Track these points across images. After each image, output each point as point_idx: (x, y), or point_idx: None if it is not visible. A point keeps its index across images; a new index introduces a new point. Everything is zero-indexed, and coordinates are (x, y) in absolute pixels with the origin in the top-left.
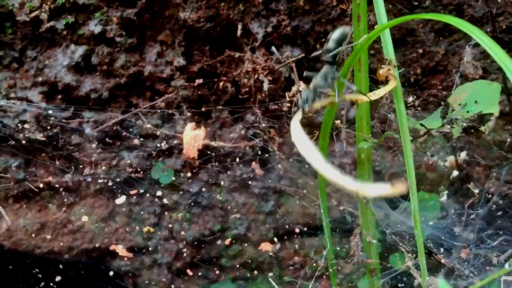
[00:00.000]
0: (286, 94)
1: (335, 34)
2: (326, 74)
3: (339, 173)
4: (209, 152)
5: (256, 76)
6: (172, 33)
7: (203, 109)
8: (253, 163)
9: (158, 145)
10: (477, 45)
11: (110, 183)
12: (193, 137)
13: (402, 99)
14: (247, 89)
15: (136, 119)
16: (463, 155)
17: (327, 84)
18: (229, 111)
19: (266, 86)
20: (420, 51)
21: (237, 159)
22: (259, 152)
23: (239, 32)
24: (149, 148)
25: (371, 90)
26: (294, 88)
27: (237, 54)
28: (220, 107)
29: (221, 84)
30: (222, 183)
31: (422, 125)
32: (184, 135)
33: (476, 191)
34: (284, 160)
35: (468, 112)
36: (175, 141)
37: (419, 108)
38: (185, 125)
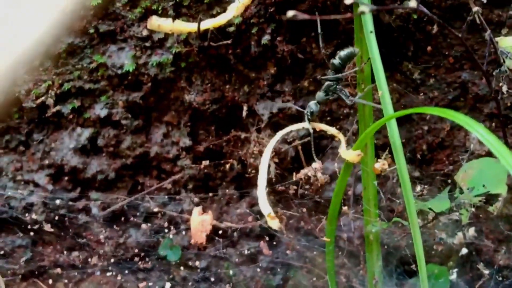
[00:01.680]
0: (294, 175)
1: (343, 52)
2: (327, 88)
3: (264, 197)
4: (219, 233)
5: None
6: (178, 114)
7: (210, 194)
8: (261, 242)
9: (165, 223)
10: (482, 121)
11: (117, 261)
12: (200, 222)
13: (410, 187)
14: (253, 169)
15: (142, 198)
16: (471, 231)
17: (328, 98)
18: (236, 187)
19: (273, 171)
20: (426, 127)
21: (244, 236)
22: (266, 228)
23: (244, 113)
24: (156, 226)
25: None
26: (303, 171)
27: (243, 135)
28: (228, 191)
29: (227, 166)
30: (229, 258)
31: (430, 209)
32: (192, 219)
33: (486, 272)
34: (292, 236)
35: (475, 196)
36: (182, 218)
37: (426, 186)
38: (191, 203)
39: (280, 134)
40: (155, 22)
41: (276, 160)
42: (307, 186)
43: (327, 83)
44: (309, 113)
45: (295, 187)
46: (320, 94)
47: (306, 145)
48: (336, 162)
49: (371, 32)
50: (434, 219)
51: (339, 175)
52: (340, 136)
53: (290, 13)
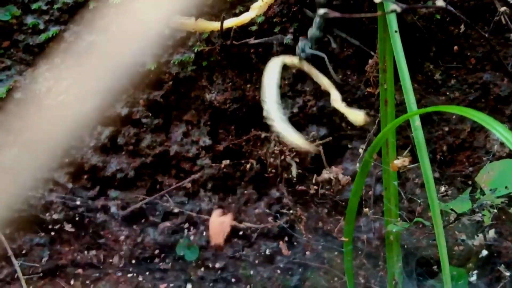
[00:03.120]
0: (315, 177)
1: None
2: (320, 24)
3: (292, 130)
4: (237, 233)
5: (282, 157)
6: (198, 113)
7: (228, 194)
8: (281, 243)
9: (183, 222)
10: (503, 122)
11: (134, 260)
12: (220, 224)
13: (434, 187)
14: (273, 168)
15: (161, 197)
16: (491, 233)
17: (322, 34)
18: (254, 187)
19: (294, 171)
20: (446, 129)
21: (262, 236)
22: (285, 228)
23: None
24: (174, 225)
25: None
26: (324, 173)
27: (263, 134)
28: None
29: (248, 166)
30: (247, 258)
31: (452, 210)
32: (211, 221)
33: (507, 273)
34: (310, 237)
35: (497, 197)
36: (200, 218)
37: (449, 187)
38: (210, 202)
39: (272, 65)
40: (177, 20)
41: (297, 160)
42: (327, 187)
43: (318, 20)
44: (302, 49)
45: (315, 187)
46: (313, 31)
47: (326, 145)
48: (356, 162)
49: (395, 31)
50: (456, 220)
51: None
52: (332, 89)
53: (322, 11)
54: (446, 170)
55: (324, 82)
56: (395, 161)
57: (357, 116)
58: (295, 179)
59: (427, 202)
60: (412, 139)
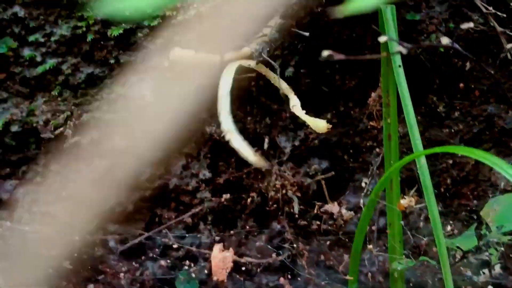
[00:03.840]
0: (316, 209)
1: None
2: (279, 28)
3: (244, 143)
4: (238, 267)
5: (284, 191)
6: (198, 146)
7: (229, 227)
8: (282, 279)
9: (183, 256)
10: (508, 155)
11: None
12: (222, 260)
13: (440, 227)
14: (274, 202)
15: (160, 230)
16: (497, 268)
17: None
18: (255, 220)
19: (296, 207)
20: (450, 161)
21: (264, 270)
22: (286, 261)
23: (266, 146)
24: (173, 259)
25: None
26: (327, 207)
27: (264, 167)
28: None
29: (248, 200)
30: None
31: (458, 247)
32: (213, 257)
33: None
34: (313, 272)
35: (504, 234)
36: (200, 251)
37: (454, 225)
38: (210, 235)
39: (227, 73)
40: (177, 53)
41: (299, 194)
42: (330, 222)
43: (279, 21)
44: (258, 54)
45: (318, 222)
46: (272, 33)
47: (328, 178)
48: (359, 195)
49: (399, 66)
50: (463, 258)
51: (362, 210)
52: (291, 94)
53: (326, 53)
54: (451, 204)
55: (283, 86)
56: (402, 201)
57: (318, 124)
58: (297, 214)
59: (431, 236)
60: (418, 177)
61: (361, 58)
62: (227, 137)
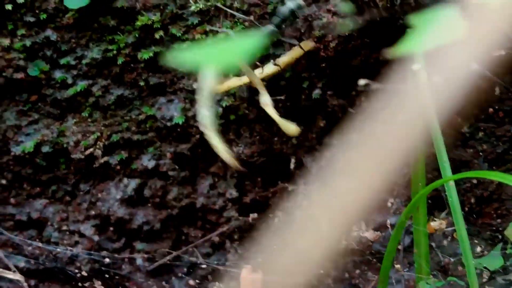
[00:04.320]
0: (344, 238)
1: (294, 4)
2: (269, 35)
3: (220, 142)
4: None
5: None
6: (224, 165)
7: (254, 245)
8: None
9: (209, 274)
10: None
11: None
12: (251, 282)
13: (469, 249)
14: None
15: (186, 247)
16: None
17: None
18: (280, 238)
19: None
20: (474, 181)
21: None
22: (313, 280)
23: (292, 166)
24: (199, 277)
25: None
26: (352, 231)
27: (290, 187)
28: None
29: (274, 218)
30: None
31: (485, 267)
32: (242, 279)
33: None
34: None
35: None
36: (226, 270)
37: (484, 247)
38: (235, 253)
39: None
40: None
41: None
42: (356, 241)
43: (271, 29)
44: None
45: (344, 241)
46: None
47: None
48: (383, 214)
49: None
50: (490, 279)
51: (388, 228)
52: (262, 90)
53: (362, 82)
54: (474, 223)
55: (255, 80)
56: (432, 223)
57: (289, 127)
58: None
59: (456, 256)
60: (445, 198)
61: (396, 86)
62: (203, 131)
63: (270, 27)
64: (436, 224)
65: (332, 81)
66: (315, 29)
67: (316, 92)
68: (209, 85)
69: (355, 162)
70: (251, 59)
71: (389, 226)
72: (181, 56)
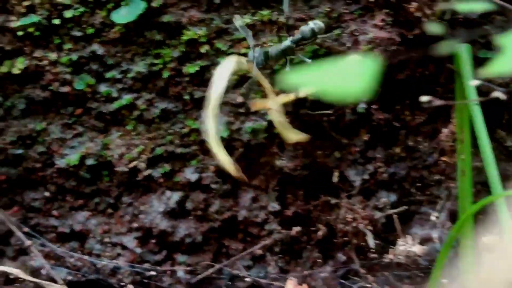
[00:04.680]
0: (390, 251)
1: (313, 25)
2: (286, 49)
3: (221, 148)
4: None
5: (355, 224)
6: (266, 179)
7: (295, 258)
8: None
9: (249, 286)
10: None
11: None
12: None
13: None
14: (342, 234)
15: (227, 259)
16: None
17: (280, 57)
18: (320, 251)
19: (371, 241)
20: None
21: None
22: None
23: (335, 179)
24: None
25: None
26: (399, 245)
27: (333, 200)
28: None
29: (319, 232)
30: None
31: None
32: None
33: None
34: None
35: None
36: (266, 282)
37: None
38: (276, 266)
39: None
40: (259, 103)
41: (371, 228)
42: (401, 256)
43: (288, 44)
44: (256, 58)
45: (390, 256)
46: (276, 49)
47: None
48: (425, 228)
49: (477, 105)
50: None
51: (434, 242)
52: (273, 97)
53: (425, 98)
54: None
55: (267, 86)
56: (484, 239)
57: (291, 136)
58: (372, 249)
59: None
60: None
61: (452, 103)
62: (206, 138)
63: (287, 43)
64: (488, 239)
65: (379, 95)
66: (361, 44)
67: (361, 106)
68: (216, 95)
69: (398, 175)
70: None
71: (436, 240)
72: (290, 79)
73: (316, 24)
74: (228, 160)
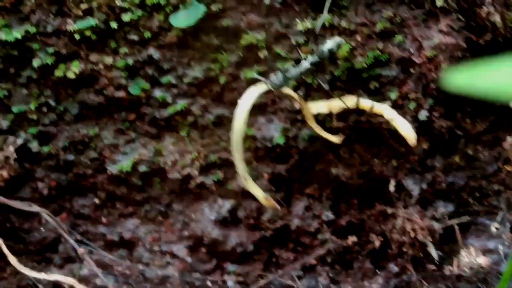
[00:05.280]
0: (454, 263)
1: (332, 45)
2: (305, 70)
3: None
4: None
5: (413, 235)
6: (320, 187)
7: (346, 268)
8: None
9: None
10: None
11: None
12: None
13: None
14: (398, 244)
15: (276, 270)
16: None
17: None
18: (371, 261)
19: (434, 252)
20: None
21: None
22: None
23: (392, 188)
24: None
25: None
26: (462, 256)
27: (389, 210)
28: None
29: (375, 243)
30: None
31: None
32: None
33: None
34: None
35: None
36: None
37: None
38: (327, 276)
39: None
40: (313, 106)
41: (430, 239)
42: (464, 268)
43: (306, 66)
44: (274, 83)
45: (450, 267)
46: (293, 71)
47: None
48: (482, 239)
49: None
50: None
51: (497, 254)
52: (303, 105)
53: None
54: None
55: (294, 95)
56: None
57: (334, 138)
58: (432, 260)
59: None
60: None
61: None
62: (242, 182)
63: (306, 65)
64: None
65: (440, 102)
66: (425, 50)
67: (423, 114)
68: (241, 133)
69: (456, 185)
70: None
71: (497, 252)
72: (459, 78)
73: (335, 42)
74: (266, 196)
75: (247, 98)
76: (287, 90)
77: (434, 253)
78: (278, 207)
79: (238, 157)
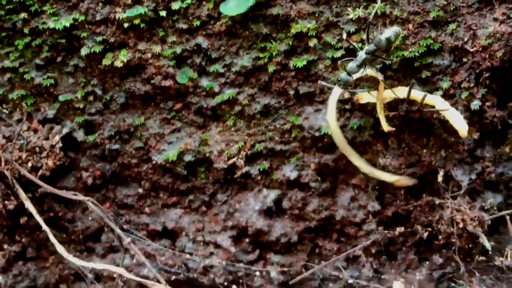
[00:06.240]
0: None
1: (390, 34)
2: (363, 61)
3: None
4: None
5: (462, 225)
6: (366, 177)
7: (390, 259)
8: None
9: None
10: None
11: None
12: None
13: None
14: (446, 236)
15: (320, 261)
16: None
17: (360, 71)
18: (416, 252)
19: (487, 243)
20: None
21: None
22: None
23: (440, 178)
24: None
25: None
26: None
27: (437, 200)
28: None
29: (424, 234)
30: None
31: None
32: None
33: None
34: None
35: None
36: (359, 284)
37: None
38: (371, 268)
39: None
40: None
41: (480, 229)
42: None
43: (363, 56)
44: (341, 83)
45: (501, 258)
46: (352, 66)
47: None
48: None
49: None
50: None
51: None
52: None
53: None
54: None
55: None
56: None
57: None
58: (490, 251)
59: None
60: None
61: None
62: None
63: (362, 55)
64: None
65: (493, 92)
66: (480, 38)
67: (475, 103)
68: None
69: (505, 175)
70: None
71: None
72: None
73: (393, 31)
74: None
75: (332, 102)
76: (370, 72)
77: (487, 243)
78: (410, 182)
79: (353, 157)
